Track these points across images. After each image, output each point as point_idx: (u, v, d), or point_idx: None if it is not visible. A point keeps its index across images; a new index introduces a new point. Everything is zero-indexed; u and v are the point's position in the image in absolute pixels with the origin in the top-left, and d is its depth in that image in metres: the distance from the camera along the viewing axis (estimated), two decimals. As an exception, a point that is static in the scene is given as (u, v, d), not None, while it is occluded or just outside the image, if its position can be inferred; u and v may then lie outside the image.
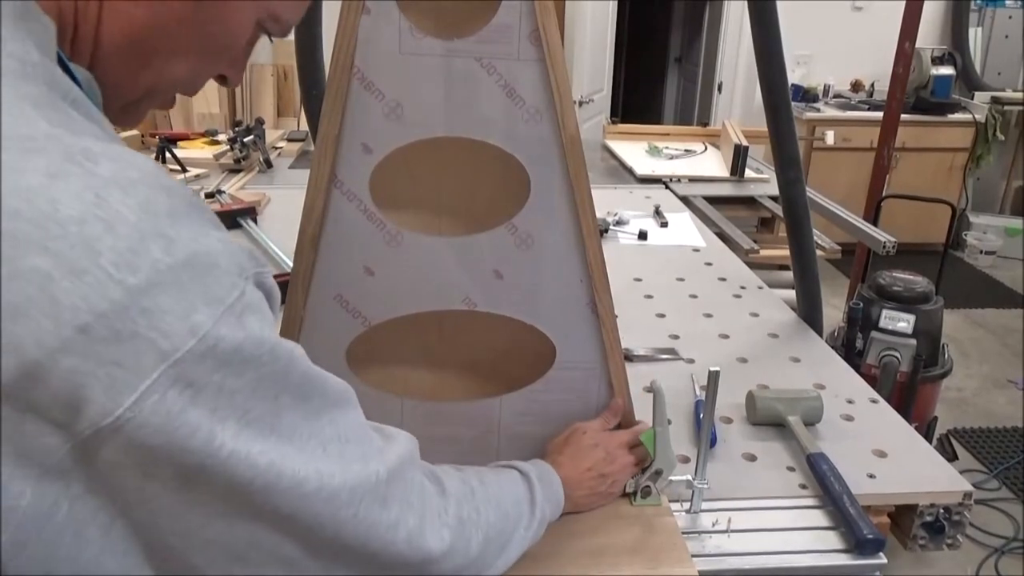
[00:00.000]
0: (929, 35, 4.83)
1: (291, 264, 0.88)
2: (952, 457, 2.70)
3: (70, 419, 0.42)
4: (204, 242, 0.45)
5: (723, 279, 1.77)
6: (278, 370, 0.49)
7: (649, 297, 1.63)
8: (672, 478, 0.95)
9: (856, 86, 4.88)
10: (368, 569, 0.57)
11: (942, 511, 1.03)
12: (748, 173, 2.72)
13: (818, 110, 4.58)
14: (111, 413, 0.41)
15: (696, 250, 1.96)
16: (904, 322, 1.97)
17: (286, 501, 0.49)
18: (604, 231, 2.02)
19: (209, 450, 0.45)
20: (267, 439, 0.48)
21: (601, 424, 0.96)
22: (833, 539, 0.94)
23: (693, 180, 2.67)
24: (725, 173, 2.75)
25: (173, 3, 0.55)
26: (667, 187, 2.58)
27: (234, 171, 2.51)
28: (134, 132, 2.61)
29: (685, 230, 2.10)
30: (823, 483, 1.00)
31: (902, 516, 1.05)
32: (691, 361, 1.36)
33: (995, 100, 4.63)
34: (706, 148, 3.06)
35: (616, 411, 0.97)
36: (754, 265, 1.94)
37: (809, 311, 1.53)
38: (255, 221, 1.94)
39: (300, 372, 0.51)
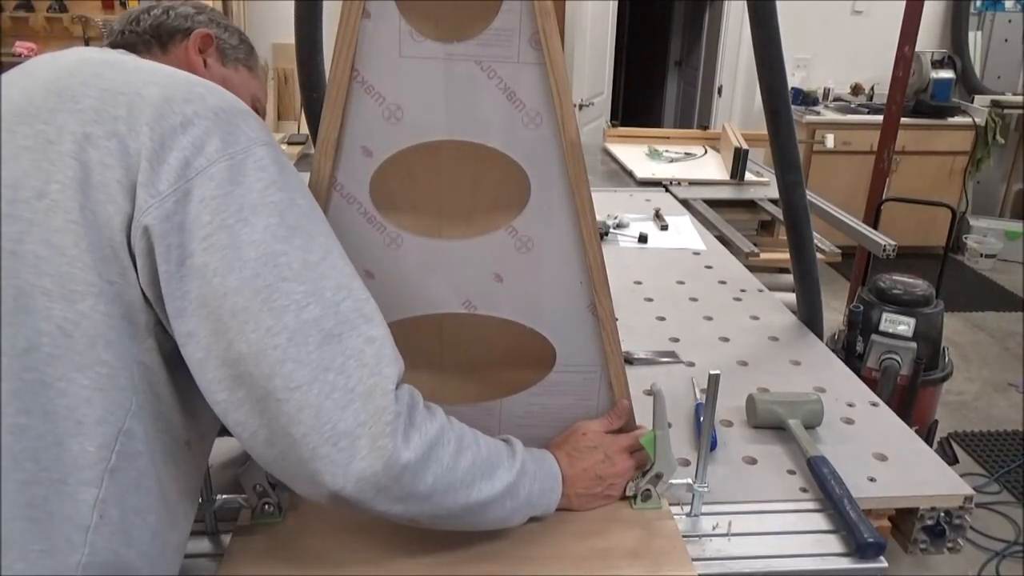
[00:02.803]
0: (929, 38, 4.84)
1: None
2: (953, 460, 2.70)
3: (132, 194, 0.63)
4: (243, 105, 0.72)
5: (723, 282, 1.77)
6: (291, 195, 0.69)
7: (649, 300, 1.62)
8: (672, 481, 0.95)
9: (856, 89, 4.89)
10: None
11: (943, 515, 1.03)
12: (748, 176, 2.72)
13: (818, 113, 4.59)
14: (160, 193, 0.63)
15: (696, 253, 1.96)
16: (904, 325, 1.96)
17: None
18: (604, 234, 2.02)
19: (244, 232, 0.65)
20: (308, 239, 0.68)
21: (603, 425, 0.96)
22: (834, 543, 0.94)
23: (693, 183, 2.67)
24: (725, 176, 2.75)
25: None
26: (667, 190, 2.59)
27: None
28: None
29: (685, 233, 2.10)
30: (824, 486, 0.99)
31: (903, 520, 1.05)
32: (691, 364, 1.36)
33: (995, 103, 4.63)
34: (706, 151, 3.06)
35: (621, 413, 0.97)
36: (754, 268, 1.94)
37: (809, 314, 1.53)
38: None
39: (325, 226, 0.73)
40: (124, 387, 0.63)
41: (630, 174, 2.76)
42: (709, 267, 1.86)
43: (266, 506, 0.91)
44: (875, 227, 2.61)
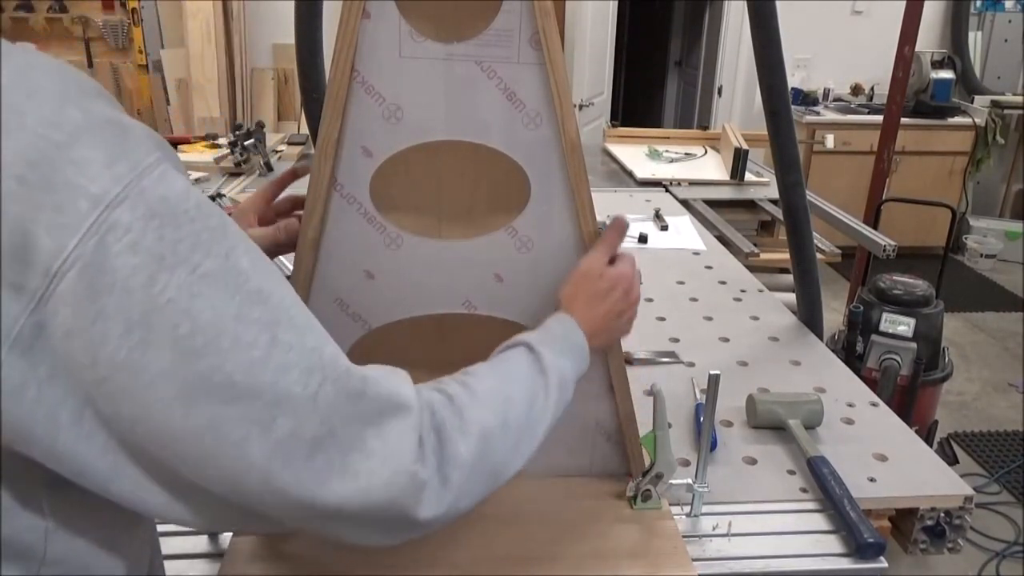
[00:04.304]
0: (929, 39, 4.84)
1: (291, 268, 0.88)
2: (953, 461, 2.70)
3: (24, 274, 0.44)
4: (119, 115, 0.49)
5: (723, 282, 1.77)
6: (215, 226, 0.50)
7: (649, 300, 1.62)
8: (672, 482, 0.95)
9: (856, 90, 4.89)
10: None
11: (943, 515, 1.03)
12: (748, 176, 2.72)
13: (818, 114, 4.58)
14: (59, 254, 0.44)
15: (696, 253, 1.96)
16: (904, 326, 1.96)
17: (238, 366, 0.49)
18: (604, 234, 2.02)
19: (151, 293, 0.46)
20: (229, 295, 0.49)
21: (607, 252, 0.88)
22: (834, 543, 0.94)
23: (693, 183, 2.67)
24: (725, 176, 2.75)
25: None
26: (667, 190, 2.59)
27: (234, 174, 2.51)
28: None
29: (685, 233, 2.10)
30: (824, 487, 0.99)
31: (903, 520, 1.05)
32: (691, 364, 1.36)
33: (995, 104, 4.63)
34: (706, 151, 3.06)
35: (621, 230, 0.90)
36: (754, 268, 1.94)
37: (809, 314, 1.53)
38: (255, 224, 1.94)
39: (245, 243, 0.52)
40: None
41: (630, 174, 2.76)
42: (709, 267, 1.86)
43: (266, 506, 0.91)
44: (875, 227, 2.61)
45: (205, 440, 0.49)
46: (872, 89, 4.82)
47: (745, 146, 2.72)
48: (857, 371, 1.54)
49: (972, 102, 4.72)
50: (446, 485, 0.60)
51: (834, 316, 3.50)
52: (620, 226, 0.90)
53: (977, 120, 4.57)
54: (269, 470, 0.51)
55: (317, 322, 0.56)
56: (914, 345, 1.94)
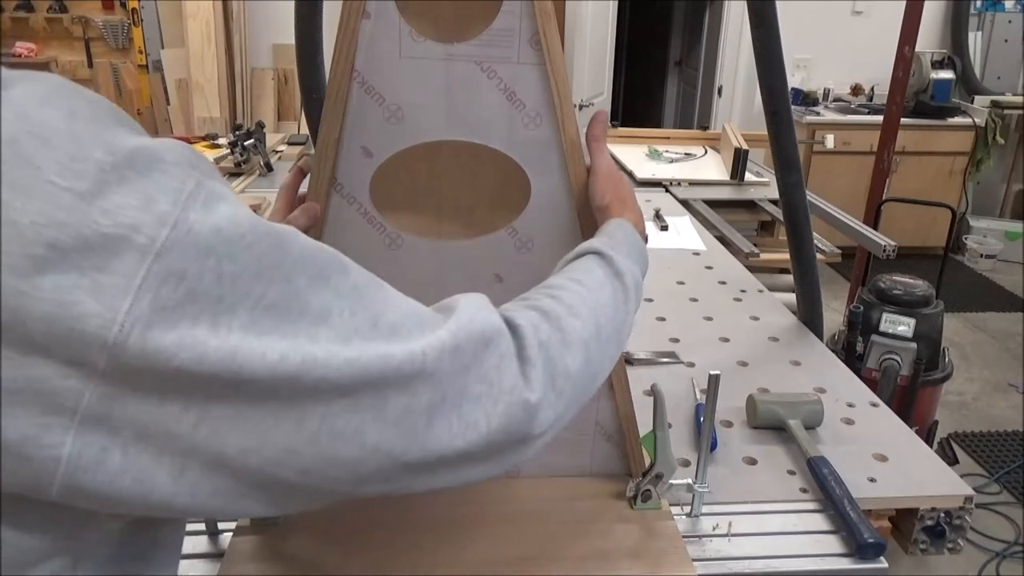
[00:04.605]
0: (929, 39, 4.84)
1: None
2: (953, 461, 2.70)
3: (77, 350, 0.40)
4: (142, 140, 0.44)
5: (723, 282, 1.77)
6: (272, 246, 0.46)
7: (649, 300, 1.62)
8: (672, 482, 0.95)
9: (856, 90, 4.89)
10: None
11: (943, 515, 1.03)
12: (748, 176, 2.72)
13: (818, 114, 4.59)
14: (113, 321, 0.40)
15: (696, 254, 1.96)
16: (904, 326, 1.96)
17: (335, 372, 0.47)
18: (604, 235, 2.02)
19: (219, 337, 0.43)
20: (295, 323, 0.46)
21: (601, 138, 0.88)
22: (834, 543, 0.94)
23: (693, 184, 2.67)
24: (725, 177, 2.75)
25: None
26: (667, 191, 2.59)
27: (235, 175, 2.51)
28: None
29: (685, 234, 2.10)
30: (824, 487, 0.99)
31: (903, 520, 1.05)
32: (691, 365, 1.36)
33: (995, 104, 4.63)
34: (706, 152, 3.06)
35: (604, 123, 0.89)
36: (754, 268, 1.94)
37: (809, 315, 1.53)
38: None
39: (303, 249, 0.48)
40: None
41: (630, 174, 2.76)
42: (709, 267, 1.86)
43: (266, 506, 0.91)
44: (875, 227, 2.61)
45: (321, 443, 0.48)
46: (872, 89, 4.83)
47: (745, 146, 2.72)
48: (857, 371, 1.54)
49: (972, 102, 4.72)
50: (560, 398, 0.60)
51: (834, 316, 3.49)
52: (602, 120, 0.89)
53: (977, 120, 4.57)
54: (391, 450, 0.50)
55: (389, 289, 0.54)
56: (914, 345, 1.94)
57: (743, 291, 1.71)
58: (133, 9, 3.83)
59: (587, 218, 0.87)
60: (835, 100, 4.84)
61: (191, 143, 2.80)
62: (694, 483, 0.95)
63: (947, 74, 4.53)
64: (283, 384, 0.45)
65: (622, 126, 3.37)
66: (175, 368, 0.42)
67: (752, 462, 1.09)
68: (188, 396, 0.43)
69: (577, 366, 0.62)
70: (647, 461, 0.97)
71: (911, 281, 2.06)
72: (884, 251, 2.10)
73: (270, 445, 0.47)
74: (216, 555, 0.89)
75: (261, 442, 0.46)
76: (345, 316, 0.48)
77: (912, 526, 1.03)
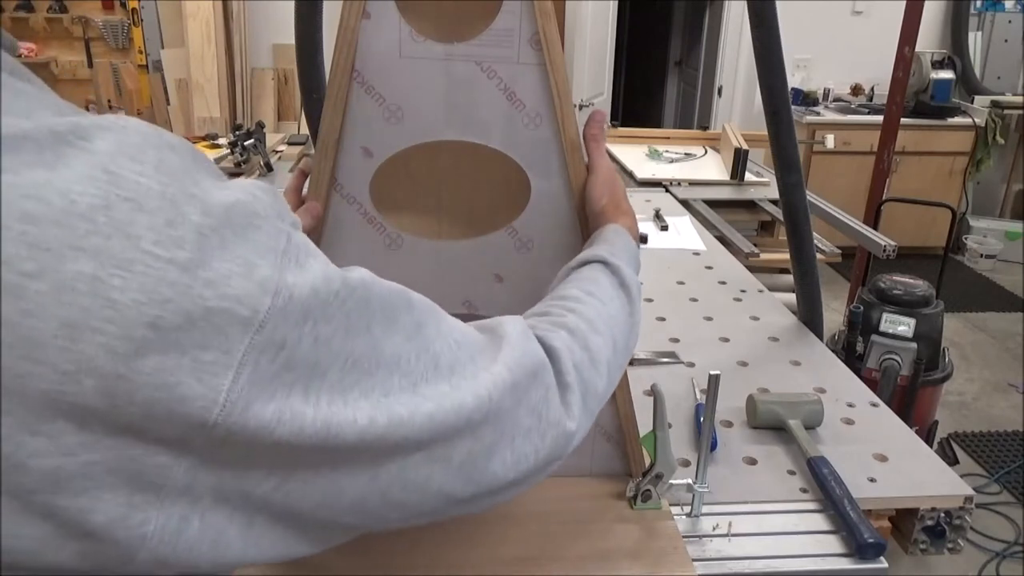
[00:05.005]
0: (929, 39, 4.84)
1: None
2: (953, 461, 2.70)
3: (176, 432, 0.38)
4: (232, 193, 0.40)
5: (723, 282, 1.77)
6: (360, 300, 0.45)
7: (649, 300, 1.62)
8: (672, 482, 0.95)
9: (856, 90, 4.89)
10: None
11: (943, 515, 1.03)
12: (748, 176, 2.72)
13: (818, 114, 4.59)
14: (215, 403, 0.38)
15: (696, 254, 1.96)
16: (904, 326, 1.96)
17: (415, 431, 0.47)
18: (604, 235, 2.02)
19: (314, 411, 0.42)
20: (373, 375, 0.45)
21: (599, 138, 0.87)
22: (834, 543, 0.94)
23: (693, 184, 2.67)
24: (725, 177, 2.75)
25: None
26: (667, 191, 2.59)
27: (234, 175, 2.51)
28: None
29: (685, 234, 2.10)
30: (824, 487, 0.99)
31: (903, 520, 1.05)
32: (691, 365, 1.36)
33: (995, 104, 4.63)
34: (706, 152, 3.07)
35: (601, 122, 0.88)
36: (754, 268, 1.94)
37: (809, 315, 1.53)
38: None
39: (379, 295, 0.47)
40: None
41: (630, 174, 2.76)
42: (709, 268, 1.86)
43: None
44: (875, 227, 2.61)
45: (392, 493, 0.48)
46: (872, 89, 4.83)
47: (745, 146, 2.72)
48: (857, 371, 1.54)
49: (972, 102, 4.72)
50: (589, 418, 0.62)
51: (834, 316, 3.49)
52: (599, 119, 0.88)
53: (977, 120, 4.57)
54: (452, 492, 0.51)
55: (441, 314, 0.54)
56: (914, 345, 1.94)
57: (743, 291, 1.71)
58: (133, 9, 3.82)
59: (587, 218, 0.87)
60: (835, 100, 4.84)
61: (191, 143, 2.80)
62: (694, 483, 0.95)
63: (947, 74, 4.53)
64: (369, 446, 0.45)
65: (622, 126, 3.37)
66: (273, 442, 0.41)
67: (752, 462, 1.09)
68: (275, 463, 0.43)
69: (604, 385, 0.64)
70: (647, 461, 0.97)
71: (911, 281, 2.06)
72: (884, 251, 2.10)
73: (343, 500, 0.47)
74: (216, 555, 0.89)
75: (336, 498, 0.46)
76: (412, 361, 0.48)
77: (912, 526, 1.03)
